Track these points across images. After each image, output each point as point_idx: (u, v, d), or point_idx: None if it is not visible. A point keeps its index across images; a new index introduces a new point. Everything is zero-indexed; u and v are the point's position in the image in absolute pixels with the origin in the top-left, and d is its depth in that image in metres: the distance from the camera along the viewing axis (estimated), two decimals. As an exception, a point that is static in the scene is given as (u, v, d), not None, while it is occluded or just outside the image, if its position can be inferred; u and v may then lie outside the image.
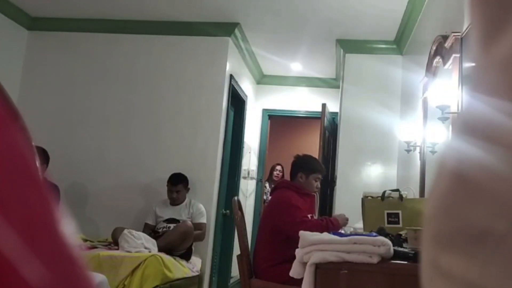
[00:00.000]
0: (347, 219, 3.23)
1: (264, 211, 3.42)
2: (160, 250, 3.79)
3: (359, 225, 3.01)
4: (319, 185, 3.42)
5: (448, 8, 3.07)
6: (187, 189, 4.28)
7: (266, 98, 6.35)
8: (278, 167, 7.12)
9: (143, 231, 4.06)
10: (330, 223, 3.06)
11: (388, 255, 1.86)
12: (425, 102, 3.37)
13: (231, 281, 5.35)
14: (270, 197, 3.73)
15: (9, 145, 0.28)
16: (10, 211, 0.26)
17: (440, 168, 0.37)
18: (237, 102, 5.38)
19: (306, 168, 3.33)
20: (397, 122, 4.58)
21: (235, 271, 4.79)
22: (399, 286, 1.83)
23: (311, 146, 7.17)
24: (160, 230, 4.10)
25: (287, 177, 6.95)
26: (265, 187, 6.85)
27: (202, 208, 4.26)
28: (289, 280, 2.26)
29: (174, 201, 4.21)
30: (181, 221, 4.07)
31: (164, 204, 4.27)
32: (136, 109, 4.73)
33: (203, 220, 4.23)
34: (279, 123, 7.49)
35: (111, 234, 3.95)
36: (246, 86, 5.68)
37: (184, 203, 4.25)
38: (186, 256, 4.02)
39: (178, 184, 4.21)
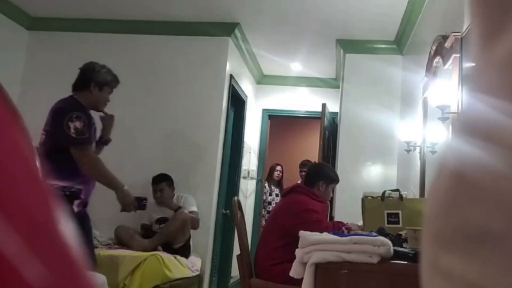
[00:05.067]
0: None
1: (275, 213, 3.35)
2: (160, 242, 3.88)
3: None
4: (332, 194, 3.46)
5: (448, 8, 3.07)
6: (172, 188, 4.27)
7: (266, 98, 6.35)
8: (278, 167, 7.11)
9: (140, 231, 4.11)
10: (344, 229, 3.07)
11: (388, 255, 1.86)
12: (425, 102, 3.37)
13: (231, 281, 5.35)
14: (281, 199, 3.73)
15: (9, 145, 0.28)
16: (10, 211, 0.26)
17: (440, 168, 0.37)
18: (237, 102, 5.38)
19: (328, 178, 3.35)
20: (397, 122, 4.58)
21: (235, 271, 4.79)
22: (399, 286, 1.83)
23: (311, 146, 7.18)
24: (156, 230, 4.12)
25: (287, 177, 7.07)
26: (265, 187, 6.85)
27: (191, 197, 4.27)
28: (289, 280, 2.26)
29: (159, 200, 4.19)
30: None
31: (155, 205, 4.27)
32: (135, 108, 4.73)
33: (194, 208, 4.23)
34: (279, 123, 7.49)
35: (114, 232, 4.01)
36: (246, 86, 5.68)
37: (173, 200, 4.25)
38: (185, 251, 4.03)
39: (159, 182, 4.20)
